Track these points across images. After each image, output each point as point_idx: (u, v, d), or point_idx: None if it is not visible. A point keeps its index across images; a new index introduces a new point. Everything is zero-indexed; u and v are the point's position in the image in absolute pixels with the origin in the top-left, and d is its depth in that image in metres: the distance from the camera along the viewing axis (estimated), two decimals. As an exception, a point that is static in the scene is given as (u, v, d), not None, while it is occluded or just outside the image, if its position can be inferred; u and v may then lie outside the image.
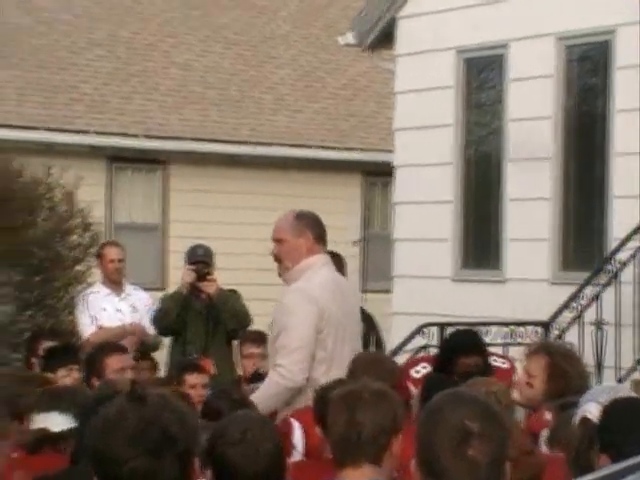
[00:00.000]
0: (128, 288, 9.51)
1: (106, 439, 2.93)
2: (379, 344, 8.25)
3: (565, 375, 5.35)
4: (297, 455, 4.91)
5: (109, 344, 6.99)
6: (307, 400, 5.57)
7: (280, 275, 6.32)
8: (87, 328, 9.16)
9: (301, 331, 6.00)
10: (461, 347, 6.60)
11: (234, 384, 7.37)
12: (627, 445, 3.51)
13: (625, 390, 4.51)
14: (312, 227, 6.24)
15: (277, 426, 5.16)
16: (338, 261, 8.55)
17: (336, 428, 3.88)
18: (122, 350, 6.69)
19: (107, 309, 9.24)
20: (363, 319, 8.26)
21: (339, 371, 5.88)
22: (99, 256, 9.68)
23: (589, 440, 3.71)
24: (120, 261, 9.44)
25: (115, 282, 9.40)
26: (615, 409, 3.77)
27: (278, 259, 6.25)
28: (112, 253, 9.53)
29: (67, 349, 7.05)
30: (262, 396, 5.85)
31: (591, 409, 3.99)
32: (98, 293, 9.42)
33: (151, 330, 9.10)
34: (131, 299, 9.40)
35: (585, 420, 3.90)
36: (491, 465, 2.90)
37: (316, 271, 6.18)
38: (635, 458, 2.88)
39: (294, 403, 5.79)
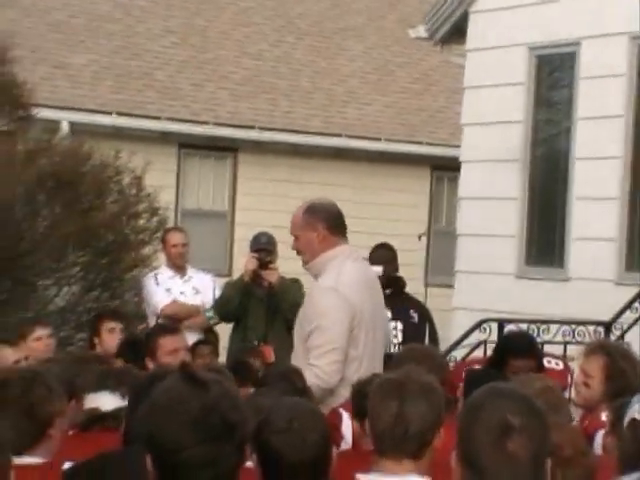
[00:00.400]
0: (191, 271, 9.67)
1: (165, 424, 2.89)
2: (433, 338, 8.22)
3: (623, 375, 5.29)
4: (345, 445, 4.90)
5: (163, 325, 7.02)
6: (338, 399, 5.57)
7: (304, 266, 6.27)
8: (162, 300, 9.30)
9: (336, 332, 5.92)
10: (513, 349, 6.53)
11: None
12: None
13: None
14: (324, 219, 6.14)
15: (326, 417, 5.17)
16: (388, 252, 8.53)
17: (382, 419, 3.86)
18: (176, 331, 6.61)
19: (171, 289, 9.38)
20: (419, 312, 8.25)
21: (370, 368, 5.86)
22: (163, 241, 9.86)
23: (638, 442, 3.66)
24: (183, 246, 9.59)
25: (178, 266, 9.56)
26: None
27: (299, 252, 6.22)
28: (175, 238, 9.69)
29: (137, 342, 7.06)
30: None
31: None
32: (163, 275, 9.57)
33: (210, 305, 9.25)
34: (194, 281, 9.54)
35: (634, 421, 3.85)
36: (532, 461, 2.88)
37: (340, 266, 6.06)
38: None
39: (325, 402, 5.74)
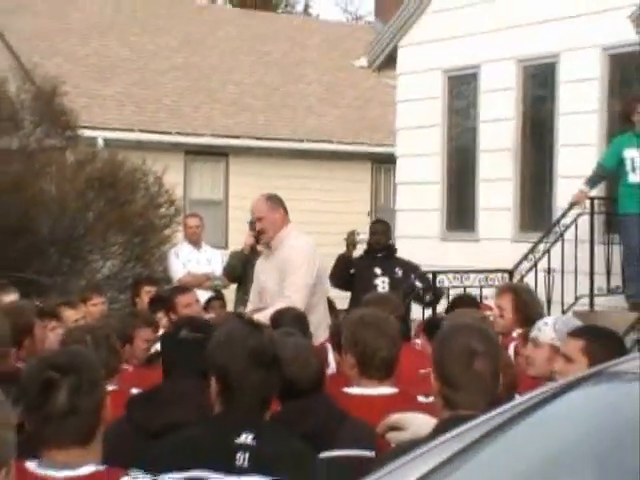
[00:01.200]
0: (205, 246, 9.66)
1: (230, 354, 2.94)
2: (422, 281, 8.23)
3: (527, 305, 5.34)
4: (330, 371, 4.92)
5: (177, 287, 6.81)
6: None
7: (261, 243, 6.16)
8: (179, 272, 9.30)
9: (308, 277, 5.88)
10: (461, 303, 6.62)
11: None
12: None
13: (568, 319, 4.52)
14: (281, 205, 6.07)
15: (316, 349, 5.19)
16: (384, 225, 8.57)
17: (361, 350, 3.82)
18: (187, 290, 6.47)
19: (190, 259, 9.39)
20: (403, 269, 8.23)
21: (325, 312, 5.88)
22: (183, 223, 9.86)
23: None
24: (197, 227, 9.57)
25: (194, 242, 9.54)
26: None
27: (262, 232, 6.07)
28: (191, 222, 9.69)
29: (162, 298, 6.98)
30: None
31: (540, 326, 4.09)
32: (184, 249, 9.56)
33: (219, 273, 9.23)
34: (207, 254, 9.52)
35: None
36: (491, 376, 2.93)
37: (297, 237, 6.04)
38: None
39: None
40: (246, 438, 2.92)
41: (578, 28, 9.52)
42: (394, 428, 2.86)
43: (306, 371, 3.60)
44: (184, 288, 6.63)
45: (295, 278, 5.85)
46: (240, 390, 2.94)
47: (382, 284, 8.11)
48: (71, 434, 2.55)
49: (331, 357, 5.00)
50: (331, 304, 6.70)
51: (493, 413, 2.58)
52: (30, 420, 2.58)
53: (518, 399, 2.77)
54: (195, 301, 6.14)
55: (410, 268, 8.34)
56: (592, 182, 8.66)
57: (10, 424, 2.22)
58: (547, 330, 4.15)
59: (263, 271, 6.17)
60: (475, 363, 2.88)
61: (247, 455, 2.91)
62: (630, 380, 2.46)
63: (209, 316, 6.71)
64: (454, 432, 2.52)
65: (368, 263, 8.27)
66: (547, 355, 4.06)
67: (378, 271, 8.18)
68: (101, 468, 2.62)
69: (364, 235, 8.52)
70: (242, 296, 8.69)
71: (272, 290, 6.01)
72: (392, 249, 8.45)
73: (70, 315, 6.30)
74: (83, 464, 2.57)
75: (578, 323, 4.22)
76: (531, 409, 2.55)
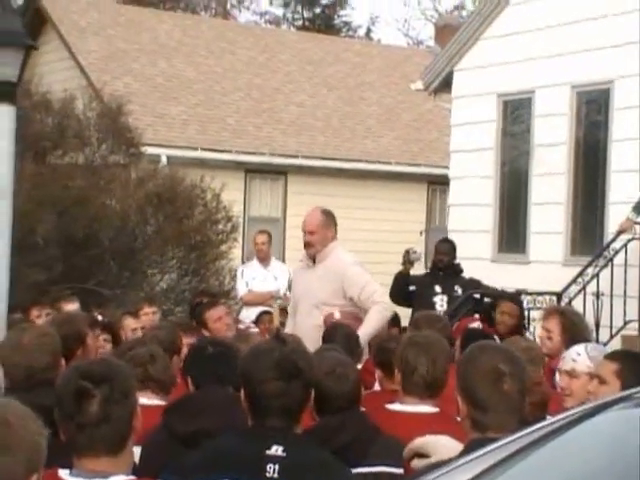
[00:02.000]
0: (274, 263, 9.54)
1: (255, 364, 3.00)
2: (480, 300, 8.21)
3: (575, 328, 5.24)
4: (377, 386, 4.88)
5: (208, 302, 6.59)
6: None
7: (308, 254, 6.11)
8: (242, 291, 9.29)
9: (375, 283, 6.04)
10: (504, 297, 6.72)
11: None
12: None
13: (597, 346, 4.41)
14: (334, 221, 6.08)
15: (364, 363, 5.15)
16: (450, 245, 8.53)
17: (412, 369, 3.80)
18: (216, 304, 6.33)
19: (256, 278, 9.30)
20: (463, 288, 8.19)
21: None
22: (253, 240, 9.78)
23: None
24: (263, 244, 9.46)
25: (261, 259, 9.43)
26: None
27: (310, 245, 6.04)
28: (257, 239, 9.61)
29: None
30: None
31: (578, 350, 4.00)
32: (251, 267, 9.50)
33: (283, 292, 9.16)
34: (274, 271, 9.41)
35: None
36: (518, 395, 2.89)
37: (344, 251, 6.10)
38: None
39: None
40: (276, 450, 2.93)
41: (633, 55, 9.39)
42: (420, 454, 2.82)
43: (341, 387, 3.59)
44: (213, 303, 6.46)
45: (371, 287, 5.95)
46: (261, 399, 2.97)
47: (440, 302, 8.09)
48: (102, 443, 2.56)
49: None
50: (396, 318, 6.76)
51: (519, 434, 2.54)
52: (64, 428, 2.60)
53: (547, 420, 2.73)
54: (225, 314, 6.03)
55: (470, 286, 8.25)
56: (639, 210, 8.53)
57: (42, 433, 2.25)
58: (582, 360, 4.06)
59: (303, 283, 6.12)
60: (503, 384, 2.84)
61: (277, 467, 2.92)
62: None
63: (255, 330, 6.70)
64: (480, 452, 2.49)
65: (429, 281, 8.26)
66: (586, 384, 3.94)
67: (438, 289, 8.16)
68: (131, 478, 2.63)
69: (418, 253, 8.49)
70: None
71: (320, 299, 5.97)
72: (456, 268, 8.39)
73: (129, 324, 6.39)
74: (113, 473, 2.58)
75: (606, 349, 4.11)
76: (558, 431, 2.52)
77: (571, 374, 4.08)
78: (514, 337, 5.25)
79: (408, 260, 8.34)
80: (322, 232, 6.01)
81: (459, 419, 3.76)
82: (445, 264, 8.26)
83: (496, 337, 6.49)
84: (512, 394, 2.85)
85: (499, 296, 7.18)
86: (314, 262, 6.13)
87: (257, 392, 2.97)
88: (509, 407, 2.85)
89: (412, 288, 8.22)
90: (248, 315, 8.59)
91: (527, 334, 7.34)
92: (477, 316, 7.21)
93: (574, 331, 5.17)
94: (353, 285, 5.95)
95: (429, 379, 3.77)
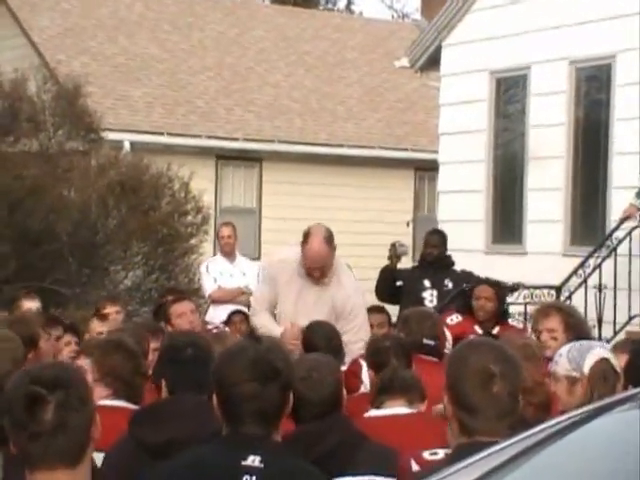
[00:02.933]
0: (239, 258, 9.58)
1: (228, 365, 2.99)
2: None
3: (578, 324, 5.24)
4: (364, 388, 4.89)
5: (173, 298, 6.55)
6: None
7: (317, 279, 6.17)
8: (210, 287, 9.27)
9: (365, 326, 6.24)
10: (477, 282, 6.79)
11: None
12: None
13: (584, 345, 4.38)
14: (333, 240, 6.13)
15: (349, 365, 5.16)
16: (440, 237, 8.54)
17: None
18: (181, 299, 6.29)
19: (223, 273, 9.34)
20: (454, 282, 8.22)
21: None
22: (216, 234, 9.80)
23: None
24: (229, 237, 9.51)
25: (227, 253, 9.47)
26: None
27: (322, 276, 6.11)
28: (223, 231, 9.64)
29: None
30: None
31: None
32: (216, 262, 9.52)
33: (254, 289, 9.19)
34: (241, 266, 9.47)
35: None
36: (509, 397, 2.88)
37: (345, 269, 6.26)
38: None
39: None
40: (253, 460, 2.92)
41: (636, 27, 9.41)
42: None
43: (318, 392, 3.59)
44: (178, 297, 6.40)
45: (364, 322, 6.14)
46: (235, 404, 2.95)
47: (430, 297, 8.10)
48: (59, 454, 2.51)
49: (365, 375, 4.97)
50: (388, 316, 6.82)
51: (519, 437, 2.55)
52: (15, 439, 2.55)
53: (548, 422, 2.74)
54: (190, 311, 5.98)
55: (462, 279, 8.26)
56: None
57: None
58: (562, 362, 4.06)
59: (298, 295, 6.12)
60: (492, 386, 2.84)
61: (254, 478, 2.90)
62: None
63: (225, 331, 6.66)
64: (476, 457, 2.50)
65: (418, 275, 8.27)
66: (566, 388, 3.94)
67: (427, 284, 8.17)
68: (89, 492, 2.60)
69: (405, 246, 8.50)
70: None
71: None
72: (447, 261, 8.40)
73: (95, 327, 6.37)
74: (71, 487, 2.54)
75: (598, 348, 4.08)
76: (560, 433, 2.53)
77: (554, 377, 4.08)
78: (510, 334, 5.26)
79: (395, 254, 8.35)
80: (330, 260, 6.12)
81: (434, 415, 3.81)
82: (435, 257, 8.26)
83: (478, 328, 6.54)
84: (502, 397, 2.84)
85: (476, 282, 7.22)
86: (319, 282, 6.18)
87: (231, 395, 2.95)
88: (499, 411, 2.85)
89: (399, 283, 8.23)
90: (217, 314, 8.56)
91: (518, 324, 7.36)
92: (455, 310, 7.23)
93: (578, 328, 5.18)
94: (349, 322, 6.08)
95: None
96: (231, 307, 8.65)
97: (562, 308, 5.49)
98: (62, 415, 2.50)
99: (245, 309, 8.65)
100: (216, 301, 9.13)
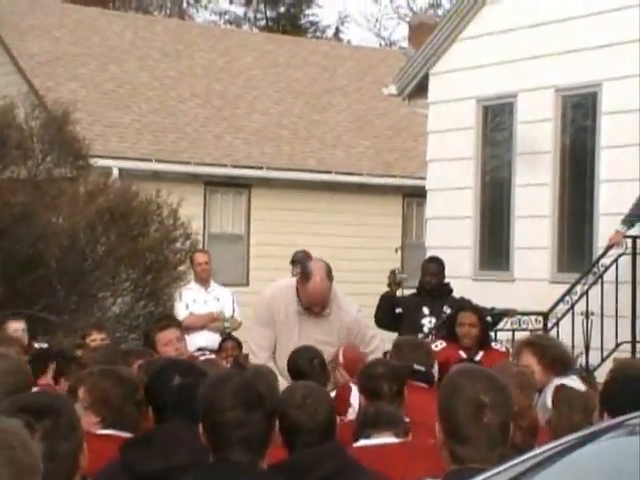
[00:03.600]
0: (213, 285, 9.64)
1: (213, 392, 3.00)
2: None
3: (548, 352, 5.14)
4: (352, 412, 4.88)
5: (157, 324, 6.40)
6: None
7: (318, 312, 6.20)
8: (182, 314, 9.28)
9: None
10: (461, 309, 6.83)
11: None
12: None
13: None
14: (331, 273, 6.15)
15: (339, 389, 5.16)
16: (438, 265, 8.56)
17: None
18: (166, 327, 6.07)
19: (197, 300, 9.38)
20: (453, 308, 8.22)
21: None
22: (191, 260, 9.85)
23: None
24: (206, 264, 9.55)
25: (202, 280, 9.51)
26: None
27: (323, 309, 6.15)
28: (199, 258, 9.69)
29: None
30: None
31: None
32: (191, 289, 9.55)
33: (229, 316, 9.25)
34: (215, 293, 9.53)
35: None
36: (500, 427, 2.89)
37: (342, 296, 6.32)
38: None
39: None
40: None
41: (621, 56, 9.49)
42: None
43: (314, 419, 3.58)
44: (164, 325, 6.24)
45: (372, 333, 6.39)
46: (221, 431, 2.95)
47: (429, 324, 8.12)
48: None
49: (355, 398, 4.97)
50: None
51: (509, 464, 2.56)
52: None
53: (537, 450, 2.75)
54: (176, 338, 5.86)
55: (460, 306, 8.26)
56: (629, 222, 8.59)
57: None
58: (539, 410, 4.06)
59: (305, 334, 6.09)
60: (483, 416, 2.84)
61: (241, 506, 2.89)
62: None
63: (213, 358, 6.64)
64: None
65: (417, 302, 8.28)
66: (548, 429, 3.93)
67: (426, 311, 8.19)
68: (77, 520, 2.59)
69: (405, 275, 8.55)
70: None
71: (327, 350, 5.96)
72: (446, 288, 8.42)
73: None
74: (57, 516, 2.53)
75: (557, 379, 4.06)
76: (548, 460, 2.55)
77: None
78: (505, 362, 5.24)
79: (394, 281, 8.38)
80: (330, 294, 6.14)
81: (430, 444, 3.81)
82: (434, 285, 8.30)
83: (462, 353, 6.54)
84: (493, 427, 2.84)
85: (459, 308, 7.24)
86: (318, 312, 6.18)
87: (216, 423, 2.96)
88: (489, 441, 2.85)
89: (399, 310, 8.25)
90: (191, 341, 8.53)
91: (501, 347, 7.36)
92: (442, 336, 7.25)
93: (550, 355, 5.15)
94: (365, 338, 6.27)
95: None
96: (205, 333, 8.74)
97: (531, 342, 5.42)
98: (50, 443, 2.50)
99: (226, 335, 8.70)
100: (189, 327, 9.13)
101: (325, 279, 6.05)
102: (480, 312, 7.05)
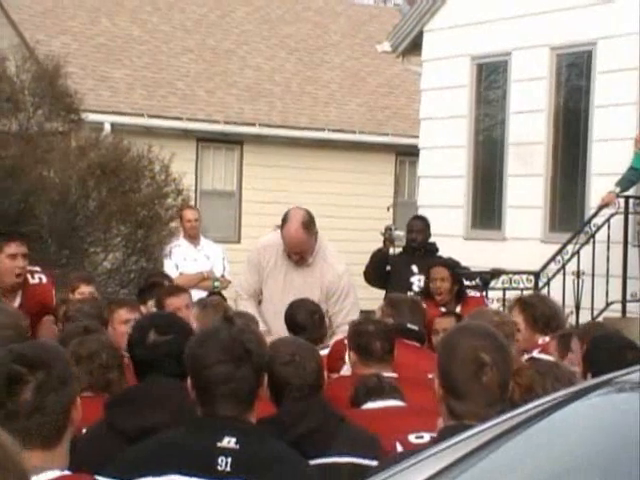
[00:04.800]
0: (203, 241, 9.53)
1: (200, 347, 2.99)
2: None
3: (536, 310, 5.13)
4: (346, 368, 4.90)
5: (168, 287, 6.44)
6: None
7: (297, 262, 6.16)
8: (171, 273, 9.21)
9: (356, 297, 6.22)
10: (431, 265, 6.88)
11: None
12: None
13: None
14: (314, 223, 6.08)
15: (334, 345, 5.16)
16: (423, 222, 8.52)
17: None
18: (179, 292, 6.06)
19: (187, 258, 9.27)
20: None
21: None
22: (180, 217, 9.74)
23: None
24: (195, 220, 9.43)
25: (192, 237, 9.41)
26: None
27: (302, 259, 6.09)
28: (188, 214, 9.55)
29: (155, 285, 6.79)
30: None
31: None
32: (180, 246, 9.45)
33: (219, 274, 9.22)
34: (205, 250, 9.43)
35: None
36: (500, 386, 2.89)
37: (328, 251, 6.17)
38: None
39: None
40: (229, 442, 2.92)
41: (617, 13, 9.44)
42: None
43: (301, 376, 3.60)
44: (176, 288, 6.27)
45: (355, 303, 6.10)
46: (209, 386, 2.95)
47: (418, 282, 8.11)
48: (36, 435, 2.50)
49: (347, 357, 4.98)
50: None
51: (496, 421, 2.57)
52: None
53: (523, 407, 2.76)
54: (185, 306, 5.78)
55: (450, 266, 8.26)
56: (623, 184, 8.59)
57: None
58: None
59: (284, 280, 6.10)
60: (483, 375, 2.84)
61: (229, 460, 2.91)
62: (636, 390, 2.44)
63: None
64: (454, 439, 2.52)
65: (405, 260, 8.25)
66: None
67: (415, 269, 8.17)
68: (67, 473, 2.57)
69: (400, 231, 8.51)
70: None
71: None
72: (432, 247, 8.41)
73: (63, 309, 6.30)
74: (47, 469, 2.51)
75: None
76: (536, 417, 2.55)
77: None
78: (483, 309, 5.23)
79: (389, 238, 8.34)
80: (309, 244, 6.07)
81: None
82: (419, 243, 8.27)
83: (443, 309, 6.54)
84: (492, 386, 2.85)
85: (428, 266, 7.23)
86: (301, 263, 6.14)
87: (204, 378, 2.96)
88: (488, 399, 2.86)
89: (388, 268, 8.25)
90: None
91: (475, 293, 7.35)
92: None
93: (538, 314, 5.13)
94: (339, 303, 6.07)
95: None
96: (193, 292, 8.66)
97: (522, 299, 5.42)
98: (41, 396, 2.49)
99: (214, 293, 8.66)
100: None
101: (301, 227, 6.00)
102: (450, 265, 7.04)
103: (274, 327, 5.87)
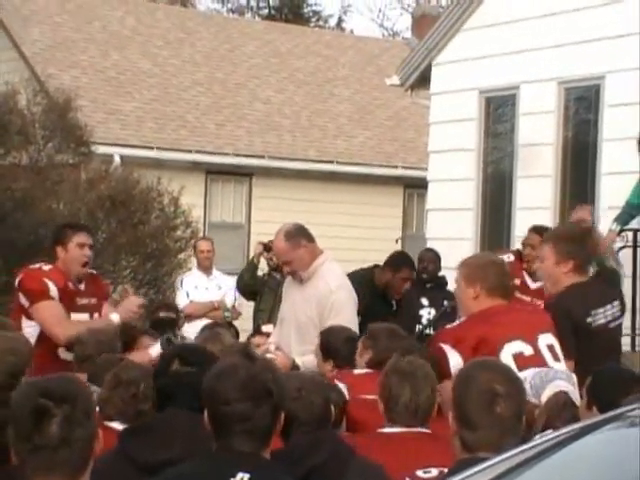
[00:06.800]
0: (215, 272, 9.70)
1: (219, 384, 2.97)
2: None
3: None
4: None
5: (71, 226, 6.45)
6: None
7: (285, 273, 6.17)
8: (182, 302, 9.32)
9: (354, 316, 5.95)
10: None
11: None
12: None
13: (548, 372, 4.31)
14: (303, 235, 5.93)
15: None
16: (434, 255, 8.52)
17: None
18: (83, 229, 6.23)
19: (198, 286, 9.44)
20: (453, 303, 8.17)
21: None
22: (194, 248, 9.90)
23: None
24: (209, 251, 9.62)
25: (205, 267, 9.58)
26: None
27: (293, 273, 5.98)
28: (202, 246, 9.75)
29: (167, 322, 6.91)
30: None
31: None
32: (192, 275, 9.61)
33: (230, 305, 9.31)
34: (217, 280, 9.58)
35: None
36: (514, 418, 2.91)
37: (330, 268, 5.96)
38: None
39: None
40: (242, 478, 2.91)
41: (625, 48, 9.49)
42: None
43: (310, 410, 3.62)
44: (79, 227, 6.32)
45: (349, 321, 5.79)
46: (226, 422, 2.95)
47: (428, 315, 8.11)
48: (62, 466, 2.53)
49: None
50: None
51: (508, 454, 2.58)
52: (17, 450, 2.57)
53: (535, 440, 2.77)
54: (89, 246, 6.01)
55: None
56: (622, 220, 8.57)
57: None
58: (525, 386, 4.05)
59: (291, 301, 6.07)
60: (497, 406, 2.87)
61: (243, 495, 2.90)
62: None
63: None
64: (466, 473, 2.52)
65: (415, 293, 8.26)
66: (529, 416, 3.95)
67: (425, 302, 8.17)
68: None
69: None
70: (259, 314, 8.82)
71: (300, 322, 5.93)
72: (442, 280, 8.42)
73: None
74: (72, 501, 2.55)
75: (560, 380, 4.06)
76: (547, 451, 2.55)
77: None
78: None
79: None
80: (294, 254, 5.89)
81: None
82: (430, 273, 8.28)
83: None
84: (506, 416, 2.88)
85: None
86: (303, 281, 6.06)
87: (221, 414, 2.94)
88: (502, 429, 2.88)
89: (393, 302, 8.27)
90: (191, 329, 8.57)
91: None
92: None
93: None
94: (330, 319, 5.79)
95: (412, 407, 3.75)
96: (205, 321, 8.71)
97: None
98: (67, 429, 2.52)
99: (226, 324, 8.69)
100: (189, 316, 9.18)
101: (282, 237, 5.91)
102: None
103: (282, 343, 5.91)
